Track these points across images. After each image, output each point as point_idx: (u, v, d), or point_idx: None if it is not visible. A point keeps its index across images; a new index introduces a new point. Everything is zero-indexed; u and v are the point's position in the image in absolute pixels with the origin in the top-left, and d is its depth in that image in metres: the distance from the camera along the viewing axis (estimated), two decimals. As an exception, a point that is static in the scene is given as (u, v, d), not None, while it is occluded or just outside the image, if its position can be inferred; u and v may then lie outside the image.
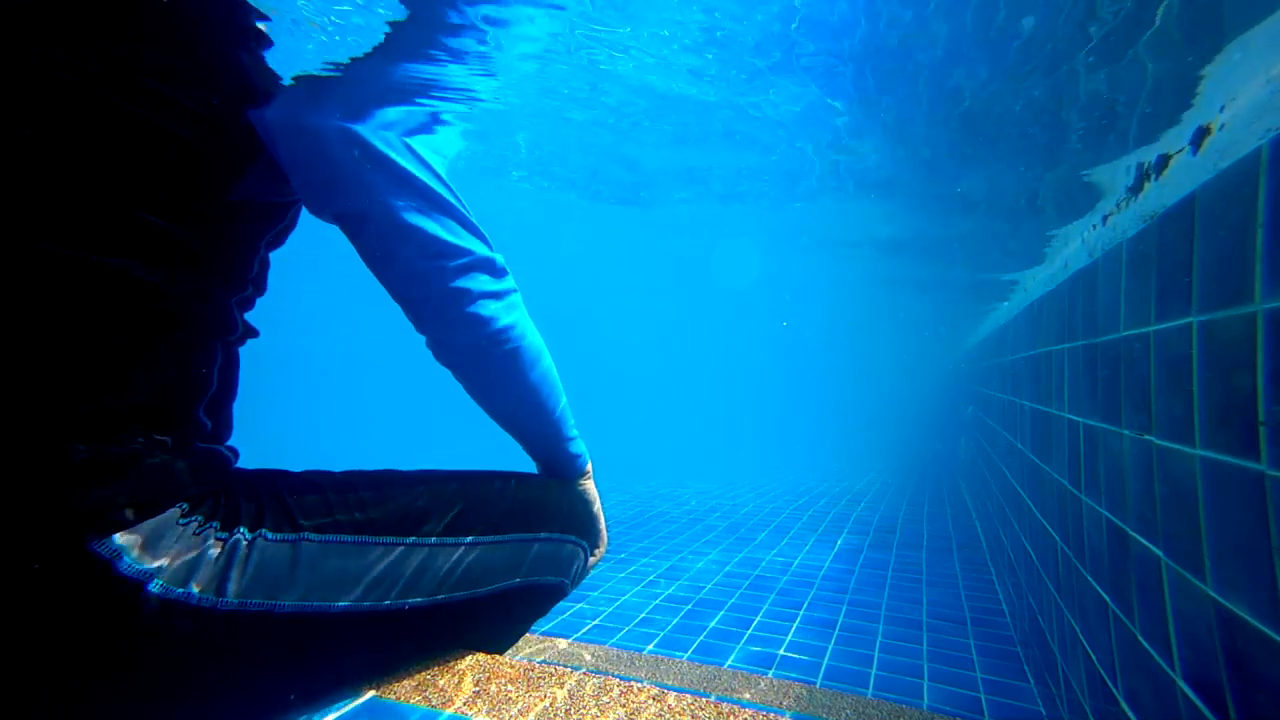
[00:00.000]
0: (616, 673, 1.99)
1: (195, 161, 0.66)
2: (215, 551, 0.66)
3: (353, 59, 1.17)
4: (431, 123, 1.44)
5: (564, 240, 5.30)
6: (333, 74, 1.15)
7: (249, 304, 0.81)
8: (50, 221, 0.57)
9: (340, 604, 0.72)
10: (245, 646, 0.67)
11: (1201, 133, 0.97)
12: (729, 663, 2.20)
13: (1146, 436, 1.07)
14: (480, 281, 0.85)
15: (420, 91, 1.31)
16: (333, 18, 1.06)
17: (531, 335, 0.92)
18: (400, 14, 1.07)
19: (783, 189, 2.70)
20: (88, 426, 0.58)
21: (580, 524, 1.04)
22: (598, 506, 1.10)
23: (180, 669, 0.64)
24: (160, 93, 0.62)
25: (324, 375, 15.78)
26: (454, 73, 1.30)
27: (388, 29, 1.12)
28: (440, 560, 0.82)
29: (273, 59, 0.86)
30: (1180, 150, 1.07)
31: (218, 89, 0.69)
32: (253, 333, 0.82)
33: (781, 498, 5.77)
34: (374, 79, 1.18)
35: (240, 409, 0.82)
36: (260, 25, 0.95)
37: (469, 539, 0.85)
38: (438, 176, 0.83)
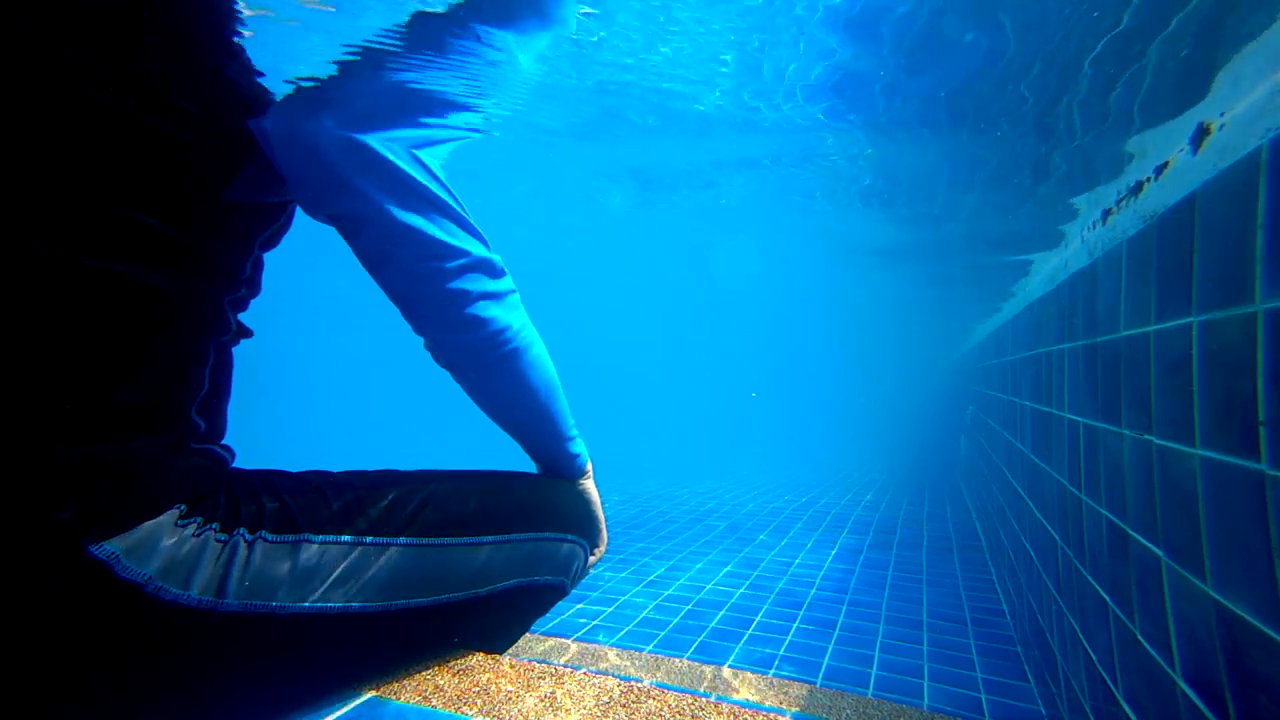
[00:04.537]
0: (617, 672, 1.99)
1: (188, 161, 0.66)
2: (215, 553, 0.66)
3: (348, 62, 1.16)
4: (431, 126, 1.44)
5: (564, 239, 5.30)
6: (329, 78, 1.15)
7: (242, 304, 0.80)
8: (40, 221, 0.57)
9: (340, 604, 0.72)
10: (245, 648, 0.67)
11: (1201, 132, 0.97)
12: (729, 662, 2.20)
13: (1146, 436, 1.07)
14: (478, 282, 0.85)
15: (419, 97, 1.31)
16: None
17: (531, 336, 0.92)
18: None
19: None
20: (81, 428, 0.58)
21: (580, 524, 1.04)
22: (598, 506, 1.10)
23: (180, 671, 0.64)
24: (154, 93, 0.62)
25: (323, 376, 15.79)
26: (456, 79, 1.30)
27: (379, 35, 1.12)
28: (440, 560, 0.82)
29: (267, 61, 0.86)
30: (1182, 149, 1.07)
31: (212, 90, 0.69)
32: (246, 333, 0.82)
33: (781, 498, 5.77)
34: (370, 83, 1.18)
35: (240, 410, 0.82)
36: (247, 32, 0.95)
37: (469, 539, 0.85)
38: (435, 177, 0.83)
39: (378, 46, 1.13)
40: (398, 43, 1.13)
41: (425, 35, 1.12)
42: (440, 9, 1.07)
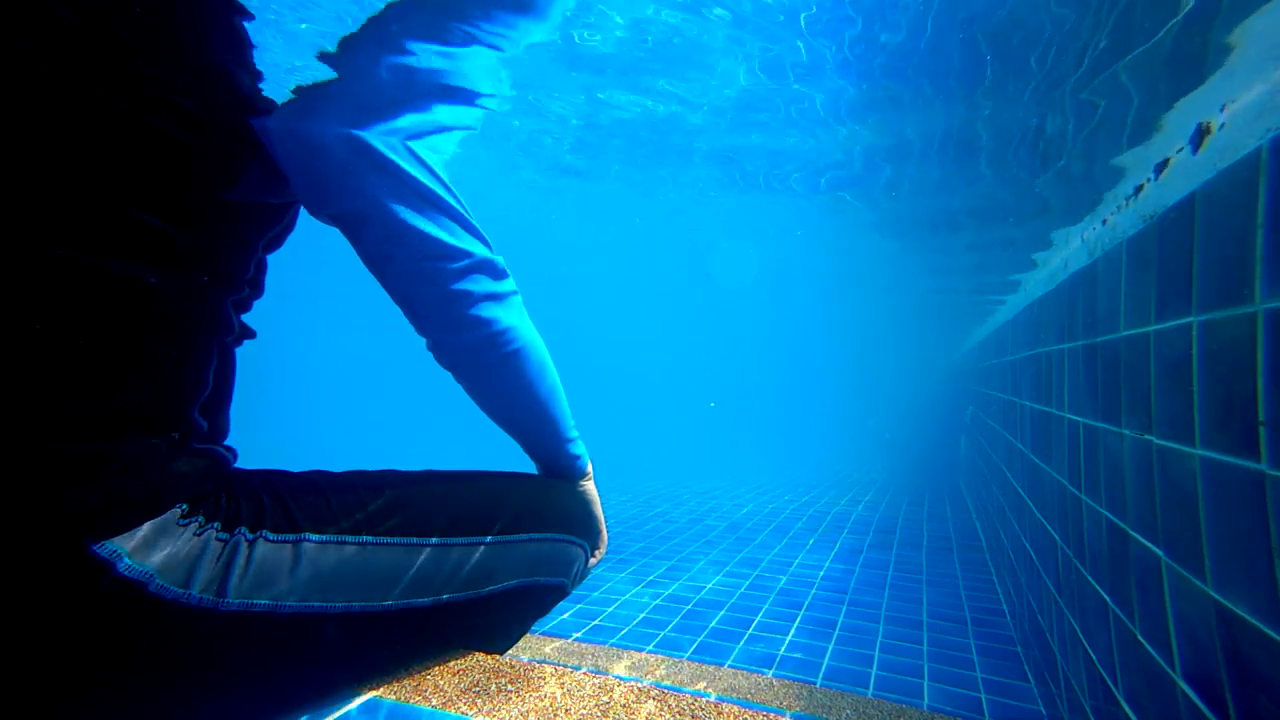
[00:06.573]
0: (617, 673, 1.99)
1: (191, 161, 0.66)
2: (216, 552, 0.66)
3: (349, 63, 1.16)
4: (433, 127, 1.46)
5: (564, 239, 5.30)
6: (330, 79, 1.15)
7: (245, 305, 0.80)
8: (42, 221, 0.57)
9: (340, 604, 0.72)
10: (246, 647, 0.67)
11: (1201, 132, 0.97)
12: (729, 662, 2.20)
13: (1146, 436, 1.07)
14: (481, 283, 0.85)
15: (423, 95, 1.31)
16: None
17: (532, 337, 0.92)
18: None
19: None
20: (83, 428, 0.58)
21: (580, 524, 1.04)
22: (598, 507, 1.10)
23: (181, 670, 0.64)
24: (156, 93, 0.62)
25: (326, 376, 15.79)
26: (459, 75, 1.30)
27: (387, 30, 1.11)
28: (440, 561, 0.82)
29: (266, 66, 0.86)
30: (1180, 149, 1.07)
31: (214, 90, 0.69)
32: (249, 333, 0.82)
33: (781, 498, 5.77)
34: (373, 83, 1.18)
35: (242, 410, 0.82)
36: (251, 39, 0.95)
37: (469, 539, 0.85)
38: (437, 178, 0.83)
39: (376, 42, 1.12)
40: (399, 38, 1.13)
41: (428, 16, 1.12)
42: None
